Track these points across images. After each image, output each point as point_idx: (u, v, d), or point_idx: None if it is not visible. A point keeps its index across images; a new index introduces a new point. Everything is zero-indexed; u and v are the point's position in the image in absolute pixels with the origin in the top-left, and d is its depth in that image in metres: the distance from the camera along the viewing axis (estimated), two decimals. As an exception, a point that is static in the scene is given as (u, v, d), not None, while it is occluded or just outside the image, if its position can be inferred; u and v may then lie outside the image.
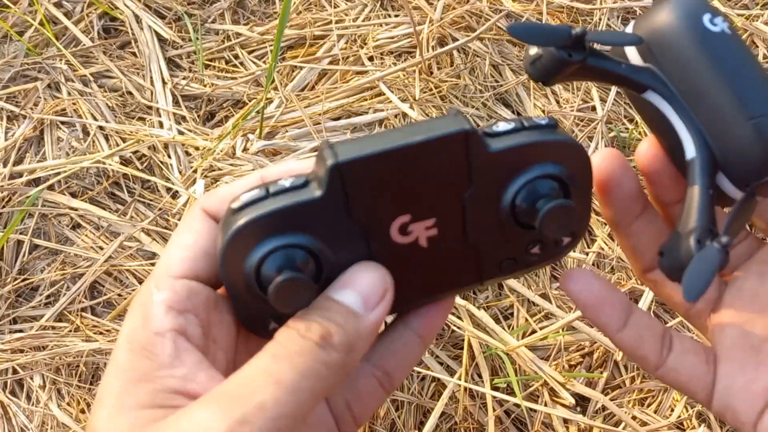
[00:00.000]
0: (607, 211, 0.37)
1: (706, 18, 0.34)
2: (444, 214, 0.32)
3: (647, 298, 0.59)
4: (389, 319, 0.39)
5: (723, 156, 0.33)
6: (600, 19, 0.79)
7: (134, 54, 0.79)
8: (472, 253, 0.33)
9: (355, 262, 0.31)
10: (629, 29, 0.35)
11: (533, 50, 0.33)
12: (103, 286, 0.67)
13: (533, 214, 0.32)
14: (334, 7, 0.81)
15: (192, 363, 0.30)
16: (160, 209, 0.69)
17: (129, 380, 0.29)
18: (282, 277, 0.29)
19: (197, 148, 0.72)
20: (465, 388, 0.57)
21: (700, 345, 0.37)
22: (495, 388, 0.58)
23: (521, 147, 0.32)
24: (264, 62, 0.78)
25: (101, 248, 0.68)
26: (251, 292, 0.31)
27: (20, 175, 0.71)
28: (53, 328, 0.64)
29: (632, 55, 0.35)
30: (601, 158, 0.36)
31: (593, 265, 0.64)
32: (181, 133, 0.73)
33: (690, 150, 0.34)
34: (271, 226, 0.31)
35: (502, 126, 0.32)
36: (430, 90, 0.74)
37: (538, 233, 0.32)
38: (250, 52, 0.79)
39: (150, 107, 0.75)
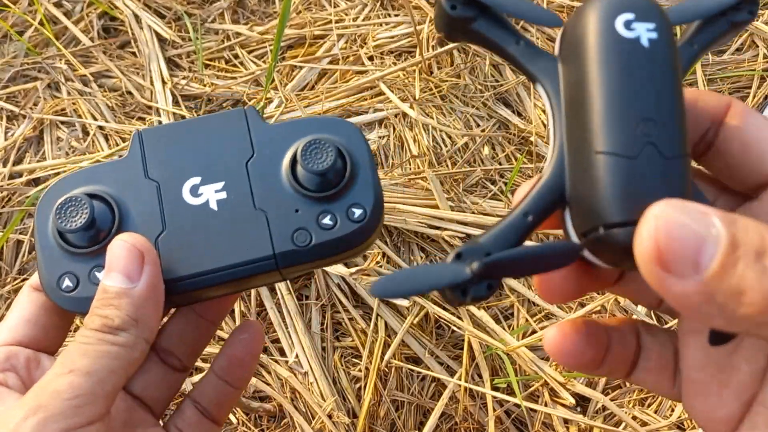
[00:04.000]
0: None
1: (622, 18, 0.26)
2: (232, 178, 0.36)
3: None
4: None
5: (569, 188, 0.27)
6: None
7: (134, 54, 0.79)
8: (261, 221, 0.36)
9: (149, 215, 0.36)
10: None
11: None
12: (103, 286, 0.67)
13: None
14: (334, 7, 0.81)
15: (13, 400, 0.34)
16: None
17: None
18: (65, 196, 0.35)
19: (197, 148, 0.72)
20: (465, 388, 0.57)
21: (669, 358, 0.34)
22: (495, 388, 0.58)
23: (295, 122, 0.38)
24: (264, 62, 0.78)
25: (101, 248, 0.68)
26: (54, 241, 0.36)
27: (20, 174, 0.71)
28: (53, 328, 0.64)
29: (558, 42, 0.29)
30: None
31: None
32: (180, 132, 0.73)
33: (546, 164, 0.28)
34: (77, 183, 0.37)
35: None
36: (431, 90, 0.74)
37: (308, 180, 0.35)
38: (249, 52, 0.79)
39: (150, 107, 0.75)
